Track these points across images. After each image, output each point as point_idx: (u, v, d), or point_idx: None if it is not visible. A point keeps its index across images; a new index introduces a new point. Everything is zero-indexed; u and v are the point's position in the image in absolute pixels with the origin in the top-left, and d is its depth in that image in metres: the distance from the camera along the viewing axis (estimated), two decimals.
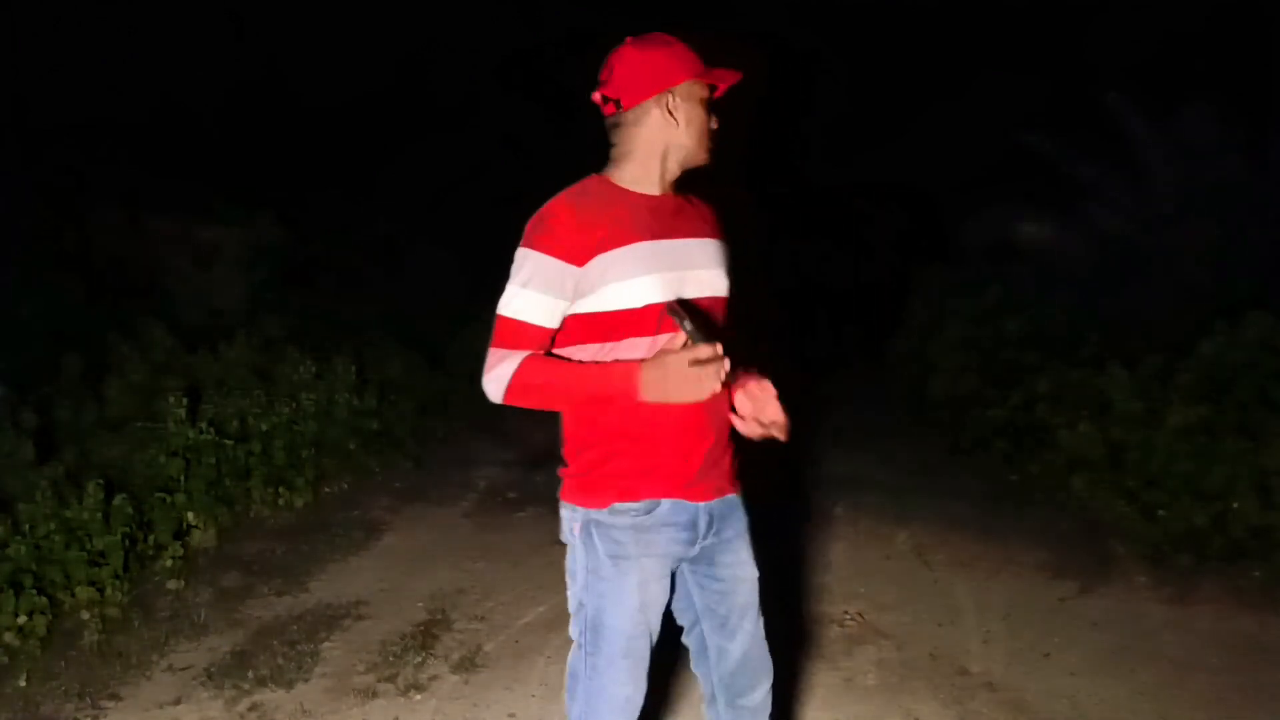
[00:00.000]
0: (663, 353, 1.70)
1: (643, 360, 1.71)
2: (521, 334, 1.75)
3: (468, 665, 3.28)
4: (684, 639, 1.99)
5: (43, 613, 3.51)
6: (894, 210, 11.50)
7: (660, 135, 1.80)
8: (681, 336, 1.67)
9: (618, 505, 1.79)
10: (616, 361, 1.74)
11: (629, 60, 1.79)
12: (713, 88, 1.86)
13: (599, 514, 1.80)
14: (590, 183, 1.82)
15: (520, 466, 5.48)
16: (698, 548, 1.85)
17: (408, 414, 6.22)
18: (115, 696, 3.17)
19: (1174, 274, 6.20)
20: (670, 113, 1.78)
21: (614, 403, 1.73)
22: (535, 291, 1.73)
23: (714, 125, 1.85)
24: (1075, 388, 5.16)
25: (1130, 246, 6.57)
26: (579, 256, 1.71)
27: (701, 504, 1.83)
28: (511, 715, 2.97)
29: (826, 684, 3.11)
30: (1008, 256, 7.51)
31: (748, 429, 1.81)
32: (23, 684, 3.22)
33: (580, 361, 1.76)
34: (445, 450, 5.82)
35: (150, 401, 5.04)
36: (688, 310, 1.69)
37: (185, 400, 4.84)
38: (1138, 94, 6.69)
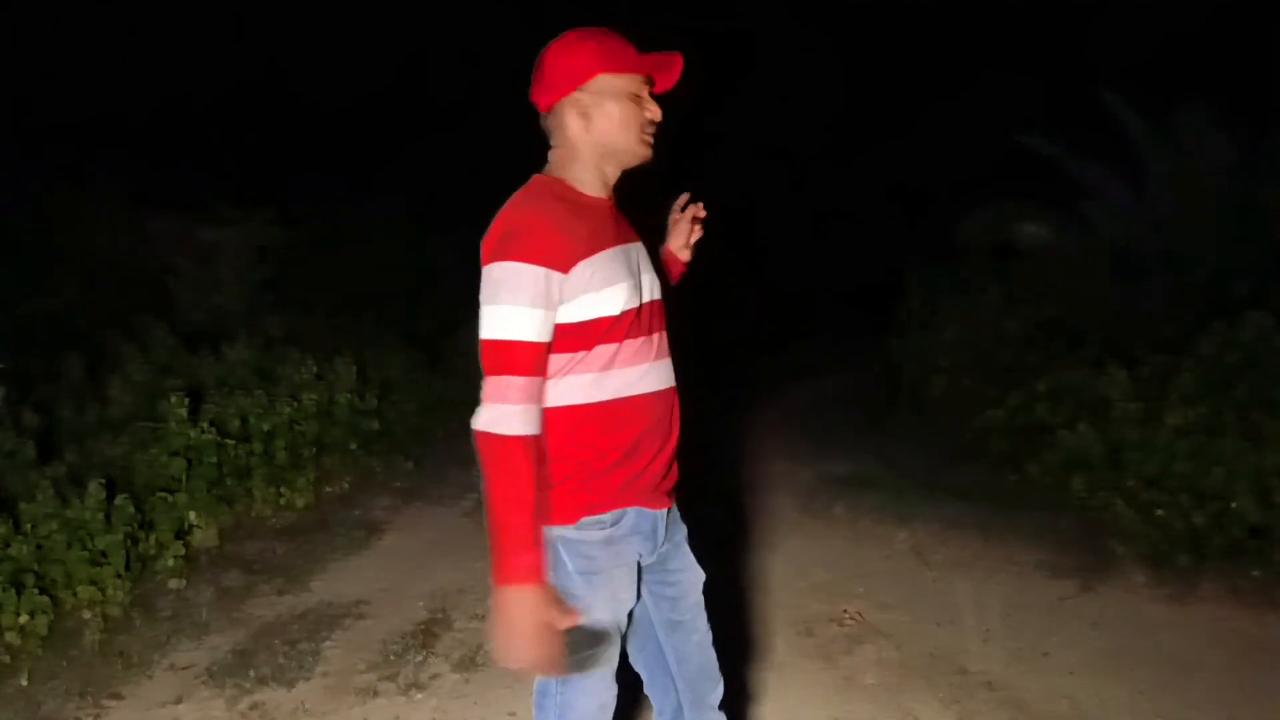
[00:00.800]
0: (536, 611, 1.60)
1: (546, 584, 1.63)
2: (528, 357, 1.61)
3: (468, 664, 3.29)
4: (634, 663, 1.94)
5: (44, 612, 3.52)
6: (894, 210, 11.51)
7: (580, 137, 1.73)
8: (572, 621, 1.64)
9: (586, 520, 1.71)
10: (538, 547, 1.63)
11: (546, 62, 1.73)
12: (650, 80, 1.76)
13: (566, 530, 1.71)
14: (550, 185, 1.74)
15: None
16: (655, 555, 1.84)
17: (408, 414, 6.23)
18: (117, 695, 3.17)
19: (1174, 274, 6.21)
20: (583, 113, 1.71)
21: (496, 556, 1.65)
22: (528, 306, 1.59)
23: (650, 117, 1.76)
24: (1075, 388, 5.17)
25: (1130, 246, 6.58)
26: (564, 263, 1.61)
27: (659, 511, 1.81)
28: (512, 714, 2.97)
29: (826, 683, 3.11)
30: (1008, 256, 7.51)
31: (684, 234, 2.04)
32: (24, 683, 3.23)
33: (533, 493, 1.63)
34: (445, 450, 5.83)
35: (152, 401, 5.04)
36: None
37: (187, 400, 4.85)
38: (1137, 94, 6.70)
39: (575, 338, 1.66)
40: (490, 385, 1.61)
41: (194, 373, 5.68)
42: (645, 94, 1.76)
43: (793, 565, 4.11)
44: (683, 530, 1.93)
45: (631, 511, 1.76)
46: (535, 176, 1.77)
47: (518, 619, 1.59)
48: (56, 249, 7.83)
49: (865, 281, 10.23)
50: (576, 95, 1.71)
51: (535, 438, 1.63)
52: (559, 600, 1.65)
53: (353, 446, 5.62)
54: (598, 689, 1.77)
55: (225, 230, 8.36)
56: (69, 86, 9.00)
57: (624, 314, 1.69)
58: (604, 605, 1.74)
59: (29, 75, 8.89)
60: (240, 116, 10.17)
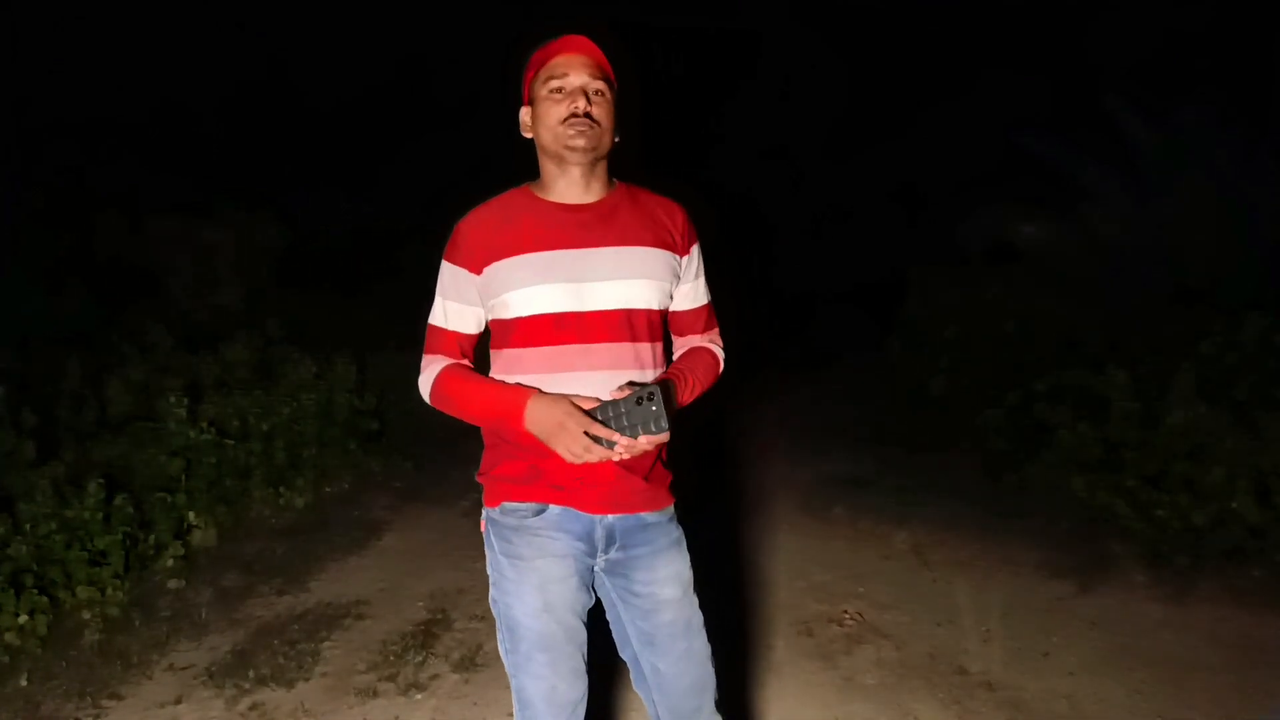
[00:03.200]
0: (565, 402, 1.66)
1: (538, 395, 1.69)
2: (439, 340, 1.86)
3: (468, 664, 3.29)
4: (620, 653, 1.95)
5: (43, 612, 3.52)
6: (894, 210, 11.50)
7: (540, 143, 1.79)
8: (613, 405, 1.63)
9: (507, 505, 1.82)
10: (514, 387, 1.74)
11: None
12: (564, 75, 1.74)
13: (493, 513, 1.85)
14: (511, 193, 1.83)
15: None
16: (601, 560, 1.82)
17: (408, 414, 6.22)
18: (116, 696, 3.17)
19: (1174, 274, 6.21)
20: (528, 122, 1.82)
21: (505, 425, 1.75)
22: (447, 299, 1.82)
23: (572, 108, 1.72)
24: (1074, 388, 5.16)
25: (1129, 247, 6.57)
26: (477, 265, 1.76)
27: (596, 516, 1.79)
28: (511, 715, 2.97)
29: (826, 683, 3.11)
30: (1007, 256, 7.51)
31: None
32: (24, 683, 3.23)
33: (490, 378, 1.80)
34: (445, 450, 5.82)
35: (151, 401, 5.05)
36: (635, 401, 1.62)
37: (186, 400, 4.85)
38: (1138, 93, 6.70)
39: (499, 334, 1.81)
40: (422, 361, 1.89)
41: (193, 373, 5.68)
42: (570, 85, 1.74)
43: (793, 565, 4.11)
44: (655, 544, 1.83)
45: (556, 509, 1.78)
46: (525, 184, 1.85)
47: (543, 428, 1.68)
48: (56, 249, 7.84)
49: (865, 281, 10.23)
50: (527, 108, 1.81)
51: (444, 378, 1.84)
52: (563, 396, 1.69)
53: (352, 446, 5.63)
54: (544, 673, 1.77)
55: (225, 230, 8.37)
56: (69, 86, 9.00)
57: (541, 317, 1.72)
58: (532, 592, 1.77)
59: (29, 75, 8.89)
60: (240, 116, 10.17)
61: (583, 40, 1.76)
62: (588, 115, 1.72)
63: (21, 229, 7.80)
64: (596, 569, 1.84)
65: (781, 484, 5.30)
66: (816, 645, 3.39)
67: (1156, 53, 7.61)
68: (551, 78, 1.75)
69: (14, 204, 7.81)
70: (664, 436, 1.63)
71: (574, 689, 1.79)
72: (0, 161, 8.00)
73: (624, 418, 1.63)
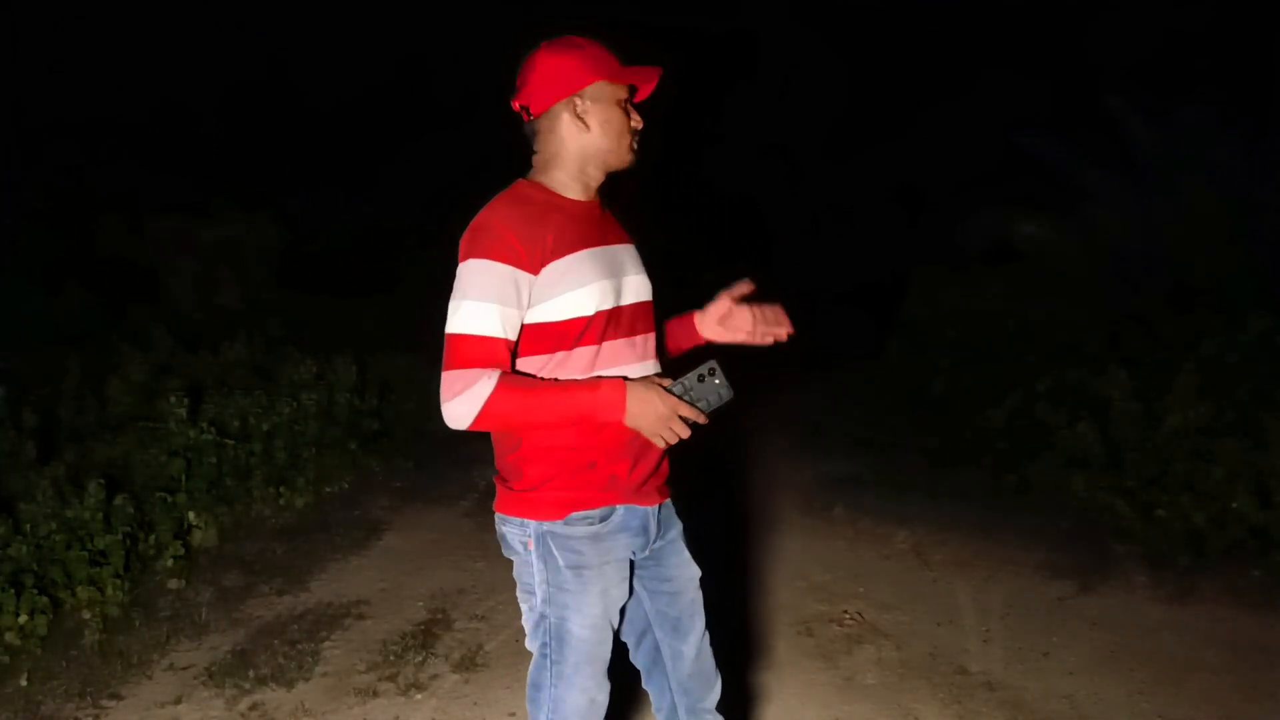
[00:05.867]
0: (656, 388, 1.70)
1: (631, 384, 1.70)
2: (486, 350, 1.65)
3: (468, 664, 3.29)
4: (632, 658, 1.97)
5: (43, 612, 3.51)
6: (894, 210, 11.50)
7: (573, 141, 1.77)
8: (683, 383, 1.70)
9: (574, 515, 1.75)
10: (600, 382, 1.69)
11: (539, 65, 1.76)
12: (633, 88, 1.82)
13: (555, 526, 1.75)
14: (525, 189, 1.78)
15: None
16: (648, 551, 1.86)
17: (408, 414, 6.23)
18: (116, 696, 3.17)
19: (1174, 274, 6.21)
20: (579, 117, 1.76)
21: (598, 422, 1.69)
22: (493, 303, 1.65)
23: (635, 125, 1.82)
24: (1075, 388, 5.17)
25: (1129, 246, 6.58)
26: (533, 264, 1.66)
27: (650, 508, 1.83)
28: (512, 714, 2.97)
29: (826, 683, 3.11)
30: (1007, 256, 7.51)
31: (758, 335, 1.96)
32: (24, 683, 3.23)
33: (548, 380, 1.71)
34: (445, 450, 5.82)
35: (151, 401, 5.05)
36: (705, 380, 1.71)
37: (186, 400, 4.85)
38: (1138, 93, 6.70)
39: (549, 338, 1.71)
40: (456, 380, 1.64)
41: (193, 373, 5.69)
42: (634, 102, 1.83)
43: (793, 565, 4.11)
44: (678, 526, 1.93)
45: (620, 509, 1.79)
46: (518, 181, 1.81)
47: (646, 418, 1.69)
48: (56, 249, 7.84)
49: (865, 281, 10.22)
50: (574, 99, 1.76)
51: (504, 390, 1.65)
52: (649, 381, 1.73)
53: (352, 446, 5.62)
54: (588, 685, 1.78)
55: (225, 230, 8.37)
56: (69, 86, 9.00)
57: (597, 315, 1.72)
58: (595, 600, 1.77)
59: (29, 75, 8.89)
60: (240, 116, 10.17)
61: (658, 79, 1.84)
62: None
63: (21, 230, 7.80)
64: (635, 564, 1.87)
65: (782, 484, 5.30)
66: (817, 645, 3.39)
67: (1156, 53, 7.60)
68: (629, 92, 1.82)
69: (14, 204, 7.81)
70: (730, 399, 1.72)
71: (605, 696, 1.83)
72: (0, 162, 8.00)
73: (692, 393, 1.71)
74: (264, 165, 9.46)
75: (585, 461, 1.74)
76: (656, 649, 1.93)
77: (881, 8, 11.18)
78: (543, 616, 1.79)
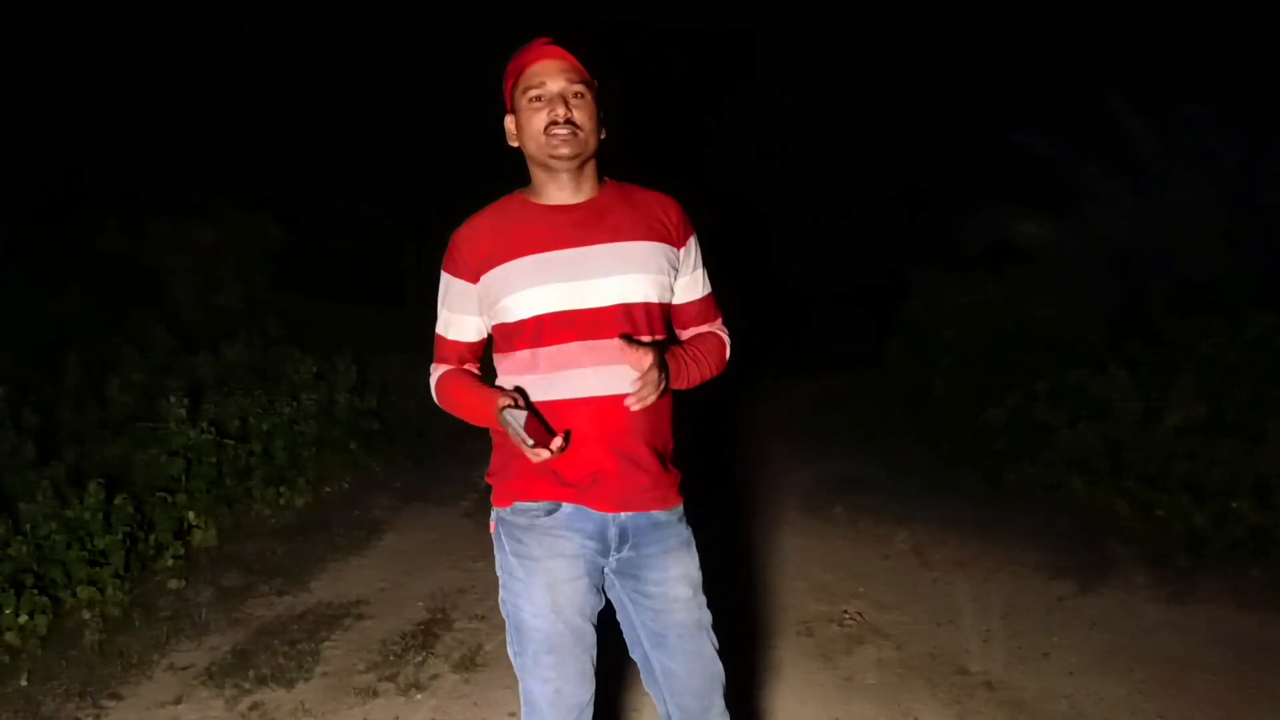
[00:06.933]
0: (499, 399, 1.71)
1: (499, 394, 1.75)
2: (443, 348, 1.91)
3: (468, 664, 3.29)
4: (630, 653, 1.96)
5: (44, 612, 3.52)
6: (894, 210, 11.51)
7: (525, 151, 1.81)
8: (508, 401, 1.69)
9: (519, 504, 1.82)
10: (490, 391, 1.79)
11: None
12: (542, 83, 1.75)
13: (504, 512, 1.84)
14: (504, 200, 1.86)
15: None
16: (613, 560, 1.83)
17: (409, 413, 6.23)
18: (116, 696, 3.17)
19: (1174, 274, 6.21)
20: (512, 130, 1.82)
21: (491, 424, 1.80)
22: (446, 309, 1.87)
23: (552, 116, 1.73)
24: (1075, 388, 5.17)
25: (1129, 246, 6.57)
26: (473, 274, 1.80)
27: (609, 515, 1.80)
28: (512, 714, 2.97)
29: (826, 683, 3.11)
30: (1008, 256, 7.51)
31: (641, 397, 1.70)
32: (24, 683, 3.23)
33: (476, 384, 1.86)
34: (446, 450, 5.83)
35: (151, 401, 5.05)
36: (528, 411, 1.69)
37: (186, 400, 4.85)
38: (1138, 93, 6.69)
39: (502, 339, 1.84)
40: (430, 369, 1.93)
41: (193, 373, 5.68)
42: (548, 93, 1.75)
43: (793, 565, 4.11)
44: (664, 544, 1.84)
45: (568, 507, 1.79)
46: (517, 190, 1.87)
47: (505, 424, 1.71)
48: (57, 249, 7.84)
49: (865, 281, 10.23)
50: (510, 115, 1.82)
51: (440, 384, 1.90)
52: (505, 394, 1.74)
53: (353, 446, 5.63)
54: (549, 675, 1.79)
55: (225, 230, 8.37)
56: (69, 86, 9.00)
57: (535, 319, 1.74)
58: (541, 592, 1.78)
59: (29, 75, 8.89)
60: (240, 115, 10.17)
61: (555, 48, 1.75)
62: (569, 122, 1.73)
63: (22, 230, 7.80)
64: (607, 570, 1.85)
65: (782, 484, 5.30)
66: (817, 645, 3.39)
67: (1156, 53, 7.60)
68: (530, 87, 1.76)
69: (14, 205, 7.81)
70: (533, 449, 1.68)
71: (581, 692, 1.80)
72: (0, 161, 8.00)
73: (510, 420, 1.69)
74: (264, 165, 9.45)
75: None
76: (646, 657, 1.92)
77: (881, 8, 11.18)
78: (503, 600, 1.86)
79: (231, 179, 9.02)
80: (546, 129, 1.73)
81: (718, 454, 5.79)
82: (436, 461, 5.77)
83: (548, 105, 1.74)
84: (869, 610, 3.66)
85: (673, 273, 1.87)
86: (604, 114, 1.81)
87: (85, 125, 8.85)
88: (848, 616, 3.61)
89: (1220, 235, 6.24)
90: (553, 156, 1.75)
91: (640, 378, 1.68)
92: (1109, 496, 4.41)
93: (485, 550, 4.55)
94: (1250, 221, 6.18)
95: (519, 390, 1.78)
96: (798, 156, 12.61)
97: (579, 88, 1.75)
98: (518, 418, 1.65)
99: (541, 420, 1.72)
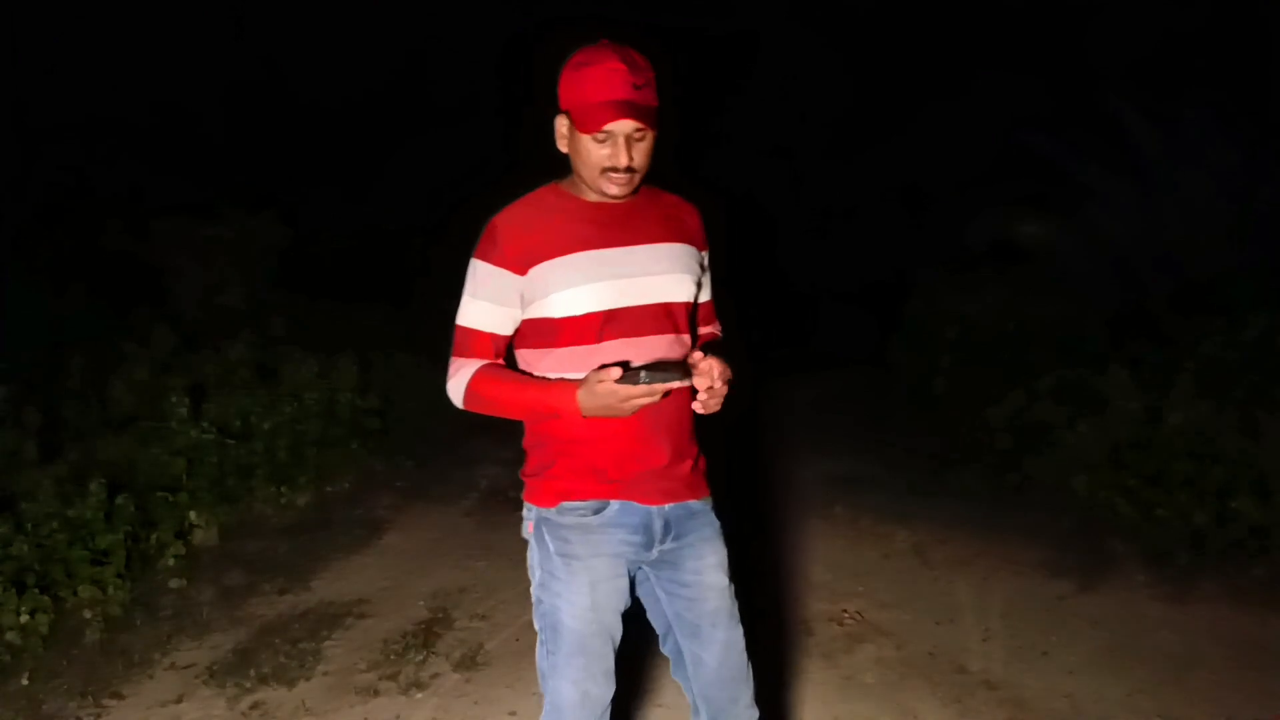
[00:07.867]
0: (594, 381, 1.67)
1: (579, 383, 1.69)
2: (475, 342, 1.82)
3: (469, 663, 3.30)
4: (661, 648, 1.98)
5: (45, 611, 3.52)
6: (896, 210, 11.51)
7: (575, 164, 1.77)
8: (616, 373, 1.65)
9: (565, 504, 1.81)
10: (558, 381, 1.75)
11: (564, 67, 1.74)
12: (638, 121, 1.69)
13: (549, 512, 1.83)
14: (541, 191, 1.83)
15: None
16: (655, 552, 1.85)
17: (411, 413, 6.23)
18: (118, 695, 3.18)
19: (1174, 274, 6.21)
20: (563, 134, 1.77)
21: (557, 418, 1.76)
22: (484, 300, 1.79)
23: (612, 163, 1.70)
24: (1076, 387, 5.17)
25: (1130, 246, 6.58)
26: (521, 266, 1.76)
27: (654, 508, 1.83)
28: (513, 713, 2.98)
29: (826, 682, 3.12)
30: (1009, 256, 7.51)
31: (706, 405, 1.77)
32: (25, 682, 3.24)
33: (527, 375, 1.81)
34: (447, 449, 5.83)
35: (153, 401, 5.06)
36: (636, 369, 1.66)
37: (188, 399, 4.86)
38: (1139, 93, 6.70)
39: (543, 334, 1.80)
40: (451, 365, 1.84)
41: (196, 372, 5.69)
42: (614, 135, 1.69)
43: (793, 563, 4.12)
44: (701, 532, 1.89)
45: (615, 504, 1.81)
46: (550, 183, 1.84)
47: (596, 404, 1.67)
48: (60, 249, 7.85)
49: (867, 281, 10.23)
50: (562, 116, 1.76)
51: (480, 380, 1.80)
52: (594, 372, 1.68)
53: (354, 445, 5.63)
54: (579, 677, 1.80)
55: (226, 229, 8.37)
56: (69, 87, 9.01)
57: (588, 315, 1.75)
58: (583, 591, 1.79)
59: (29, 75, 8.90)
60: (241, 115, 10.18)
61: (629, 104, 1.68)
62: (629, 168, 1.72)
63: (25, 230, 7.81)
64: (644, 564, 1.88)
65: (782, 483, 5.31)
66: (817, 644, 3.39)
67: (1156, 53, 7.60)
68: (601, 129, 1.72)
69: (17, 205, 7.82)
70: (687, 382, 1.69)
71: (605, 692, 1.83)
72: (1, 163, 8.01)
73: (643, 375, 1.66)
74: (267, 165, 9.46)
75: (579, 454, 1.79)
76: (678, 648, 1.94)
77: (881, 8, 11.18)
78: (539, 600, 1.85)
79: (234, 179, 9.03)
80: (604, 171, 1.72)
81: (718, 453, 5.78)
82: (438, 461, 5.77)
83: (611, 145, 1.71)
84: (869, 609, 3.67)
85: (700, 273, 1.93)
86: (660, 139, 1.78)
87: (88, 125, 8.86)
88: (848, 615, 3.62)
89: (1221, 235, 6.25)
90: (604, 192, 1.76)
91: (710, 388, 1.72)
92: (1110, 495, 4.41)
93: (487, 550, 4.56)
94: (1251, 221, 6.19)
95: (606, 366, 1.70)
96: (800, 157, 12.61)
97: (642, 128, 1.71)
98: (640, 376, 1.62)
99: (636, 370, 1.67)
